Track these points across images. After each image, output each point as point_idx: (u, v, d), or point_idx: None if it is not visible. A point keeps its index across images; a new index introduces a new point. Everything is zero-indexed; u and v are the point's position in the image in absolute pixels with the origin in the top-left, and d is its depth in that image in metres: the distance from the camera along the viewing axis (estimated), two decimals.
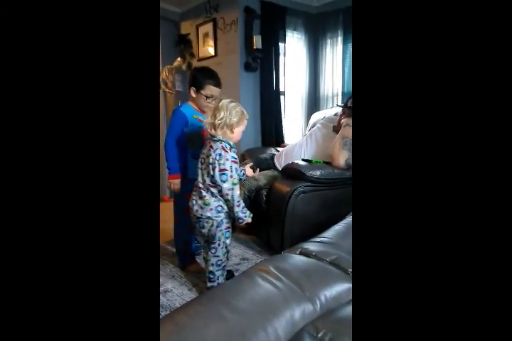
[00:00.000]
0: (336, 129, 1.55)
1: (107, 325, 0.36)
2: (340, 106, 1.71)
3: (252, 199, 1.48)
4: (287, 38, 2.23)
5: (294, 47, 2.31)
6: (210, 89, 1.18)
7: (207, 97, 1.17)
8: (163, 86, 2.43)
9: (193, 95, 1.19)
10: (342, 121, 1.50)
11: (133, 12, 0.40)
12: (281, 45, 2.19)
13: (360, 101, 0.42)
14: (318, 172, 1.28)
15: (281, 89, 2.24)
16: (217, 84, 1.21)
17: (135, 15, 0.40)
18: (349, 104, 1.57)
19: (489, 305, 0.34)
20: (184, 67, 2.39)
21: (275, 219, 1.33)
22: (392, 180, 0.39)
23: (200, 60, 2.32)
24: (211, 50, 2.23)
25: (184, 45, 2.39)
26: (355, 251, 0.39)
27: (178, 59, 2.39)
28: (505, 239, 0.35)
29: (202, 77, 1.19)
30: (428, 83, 0.38)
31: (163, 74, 2.39)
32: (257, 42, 2.06)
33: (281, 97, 2.26)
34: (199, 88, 1.18)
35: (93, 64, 0.38)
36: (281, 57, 2.20)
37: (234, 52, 2.11)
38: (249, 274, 0.44)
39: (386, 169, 0.39)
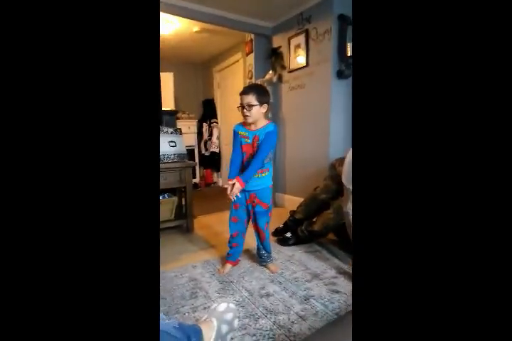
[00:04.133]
0: None
1: (106, 326, 0.37)
2: None
3: (344, 223, 1.45)
4: None
5: None
6: (239, 99, 1.23)
7: (240, 107, 1.23)
8: None
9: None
10: None
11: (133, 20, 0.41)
12: None
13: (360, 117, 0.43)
14: None
15: None
16: (242, 92, 1.23)
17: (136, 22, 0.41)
18: None
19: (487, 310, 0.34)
20: (275, 78, 2.51)
21: None
22: (391, 191, 0.40)
23: (290, 71, 2.40)
24: (302, 61, 2.28)
25: (275, 57, 2.51)
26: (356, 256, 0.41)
27: (270, 72, 2.52)
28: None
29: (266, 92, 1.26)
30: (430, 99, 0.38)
31: None
32: (350, 49, 2.01)
33: None
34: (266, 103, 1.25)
35: (94, 69, 0.39)
36: None
37: (326, 60, 2.12)
38: None
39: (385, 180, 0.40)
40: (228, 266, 1.40)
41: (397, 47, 0.40)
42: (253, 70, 2.64)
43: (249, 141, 1.27)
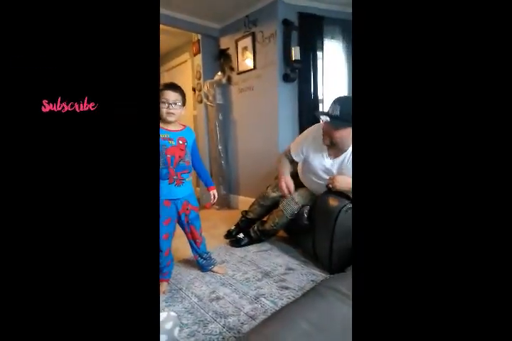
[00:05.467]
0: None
1: (106, 326, 0.37)
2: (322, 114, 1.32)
3: (293, 219, 1.54)
4: (325, 47, 2.24)
5: (332, 55, 2.32)
6: (163, 94, 1.12)
7: (164, 103, 1.12)
8: (204, 99, 2.55)
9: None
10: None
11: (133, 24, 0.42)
12: (319, 53, 2.21)
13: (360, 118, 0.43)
14: None
15: (320, 97, 2.25)
16: (170, 87, 1.14)
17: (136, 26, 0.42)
18: (333, 112, 1.26)
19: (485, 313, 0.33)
20: (224, 80, 2.51)
21: (322, 232, 1.34)
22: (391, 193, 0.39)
23: (239, 73, 2.41)
24: (250, 63, 2.31)
25: (224, 59, 2.51)
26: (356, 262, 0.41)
27: (219, 73, 2.51)
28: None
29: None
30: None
31: (205, 88, 2.52)
32: (295, 53, 2.09)
33: (320, 105, 2.27)
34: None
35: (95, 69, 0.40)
36: (319, 66, 2.22)
37: (273, 64, 2.17)
38: (321, 293, 0.47)
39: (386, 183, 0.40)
40: (165, 283, 1.27)
41: (396, 47, 0.39)
42: (201, 71, 2.60)
43: (174, 142, 1.16)
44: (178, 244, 1.51)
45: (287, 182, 1.51)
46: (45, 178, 0.38)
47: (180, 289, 1.26)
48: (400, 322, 0.36)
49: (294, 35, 2.14)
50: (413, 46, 0.39)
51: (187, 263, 1.51)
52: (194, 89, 2.78)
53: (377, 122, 0.41)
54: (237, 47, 2.39)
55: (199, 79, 2.65)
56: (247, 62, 2.33)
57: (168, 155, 1.15)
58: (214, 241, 1.78)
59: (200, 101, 2.66)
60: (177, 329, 0.85)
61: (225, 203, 2.63)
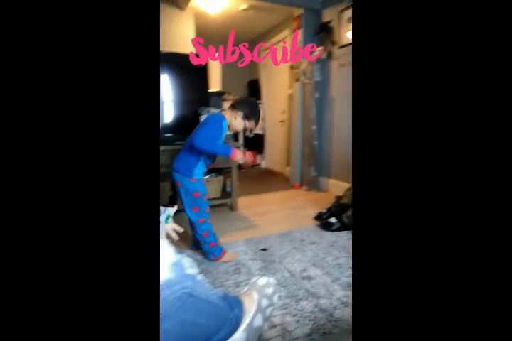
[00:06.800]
0: None
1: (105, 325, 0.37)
2: None
3: None
4: None
5: None
6: (252, 125, 1.25)
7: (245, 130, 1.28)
8: (302, 77, 2.48)
9: (236, 118, 1.23)
10: None
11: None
12: None
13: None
14: None
15: None
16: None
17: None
18: None
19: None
20: (324, 55, 2.36)
21: None
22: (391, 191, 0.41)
23: (341, 47, 2.22)
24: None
25: (326, 32, 2.34)
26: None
27: (319, 48, 2.37)
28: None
29: (257, 112, 1.26)
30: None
31: (304, 64, 2.43)
32: None
33: None
34: (249, 118, 1.24)
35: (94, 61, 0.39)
36: None
37: None
38: None
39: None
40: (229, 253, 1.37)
41: (397, 46, 0.40)
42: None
43: None
44: (270, 219, 1.57)
45: None
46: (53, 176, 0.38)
47: (274, 261, 1.33)
48: (399, 325, 0.37)
49: None
50: (414, 46, 0.39)
51: (281, 236, 1.58)
52: (292, 67, 2.72)
53: (378, 121, 0.41)
54: (340, 19, 2.19)
55: None
56: (350, 34, 2.12)
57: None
58: (302, 221, 1.79)
59: (297, 80, 2.60)
60: (276, 295, 0.89)
61: (314, 185, 2.59)
